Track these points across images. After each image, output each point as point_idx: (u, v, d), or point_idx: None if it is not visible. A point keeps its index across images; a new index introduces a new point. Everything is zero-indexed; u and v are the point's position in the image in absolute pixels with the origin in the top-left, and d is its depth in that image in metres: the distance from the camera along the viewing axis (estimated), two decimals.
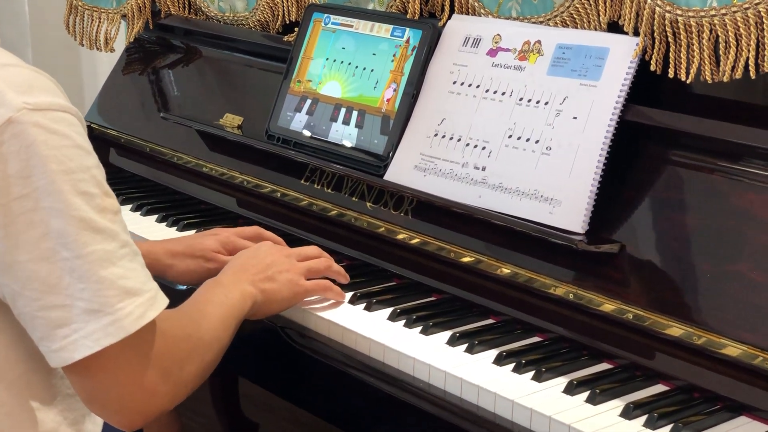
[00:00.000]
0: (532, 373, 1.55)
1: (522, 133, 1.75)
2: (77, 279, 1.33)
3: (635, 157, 1.68)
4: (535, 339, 1.69)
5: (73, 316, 1.34)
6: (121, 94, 2.68)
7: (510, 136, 1.77)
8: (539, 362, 1.58)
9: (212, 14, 2.52)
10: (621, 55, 1.67)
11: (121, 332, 1.35)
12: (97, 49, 2.70)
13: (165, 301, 1.42)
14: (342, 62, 2.07)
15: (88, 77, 4.08)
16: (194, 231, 2.14)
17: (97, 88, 2.81)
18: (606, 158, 1.65)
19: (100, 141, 2.65)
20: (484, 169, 1.78)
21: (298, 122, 2.11)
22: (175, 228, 2.17)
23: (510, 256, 1.75)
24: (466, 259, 1.80)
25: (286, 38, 2.27)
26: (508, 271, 1.74)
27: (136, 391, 1.40)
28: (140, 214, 2.27)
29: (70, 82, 4.10)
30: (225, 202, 2.29)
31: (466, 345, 1.64)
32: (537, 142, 1.73)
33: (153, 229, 2.18)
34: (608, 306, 1.62)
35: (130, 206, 2.32)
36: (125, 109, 2.64)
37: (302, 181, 2.11)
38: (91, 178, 1.35)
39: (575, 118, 1.70)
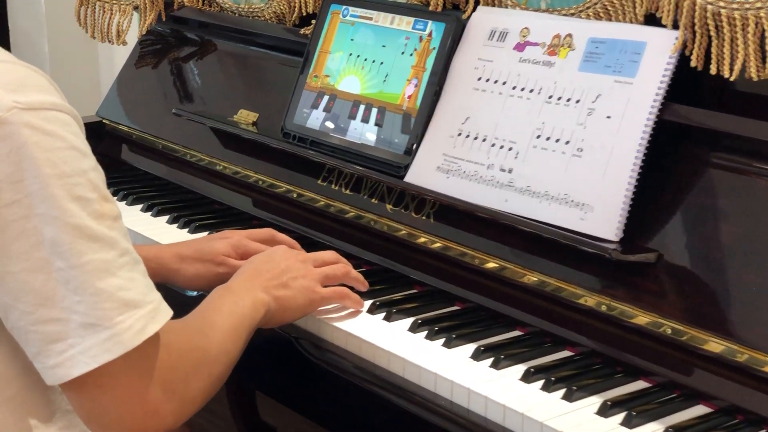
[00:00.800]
0: (562, 391, 1.45)
1: (551, 133, 1.65)
2: (73, 291, 1.24)
3: (673, 159, 1.57)
4: (566, 353, 1.59)
5: (69, 331, 1.25)
6: (133, 89, 2.58)
7: (538, 137, 1.66)
8: (570, 379, 1.48)
9: (227, 5, 2.42)
10: (659, 49, 1.56)
11: (120, 348, 1.26)
12: (109, 41, 2.61)
13: (168, 312, 1.33)
14: (361, 56, 1.97)
15: (105, 70, 3.98)
16: (207, 233, 2.05)
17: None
18: (642, 161, 1.55)
19: (112, 137, 2.56)
20: (510, 171, 1.68)
21: (315, 119, 2.01)
22: (187, 230, 2.08)
23: (537, 263, 1.65)
24: (490, 266, 1.70)
25: (302, 31, 2.16)
26: (535, 279, 1.64)
27: (137, 409, 1.31)
28: (151, 215, 2.18)
29: (87, 75, 4.02)
30: (239, 202, 2.19)
31: (492, 359, 1.54)
32: (567, 143, 1.62)
33: (164, 230, 2.09)
34: (643, 318, 1.52)
35: (140, 206, 2.22)
36: (137, 104, 2.55)
37: (319, 182, 2.01)
38: (88, 182, 1.26)
39: (609, 117, 1.59)
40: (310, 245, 1.97)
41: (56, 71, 4.01)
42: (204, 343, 1.42)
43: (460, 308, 1.74)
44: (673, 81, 1.56)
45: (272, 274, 1.62)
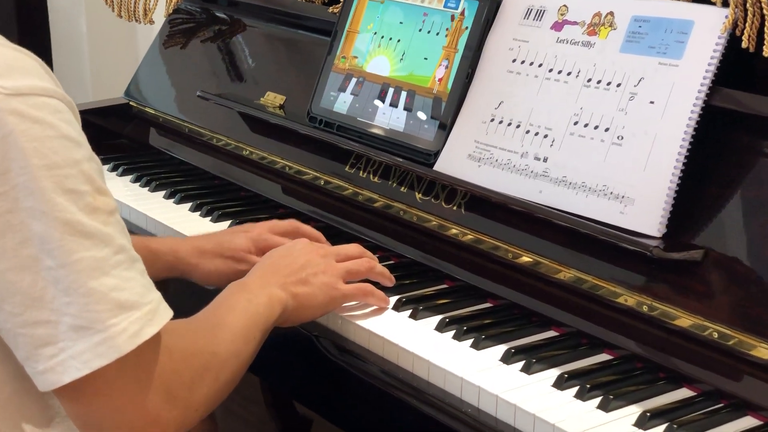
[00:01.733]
0: (598, 400, 1.34)
1: (590, 119, 1.53)
2: (63, 291, 1.15)
3: (722, 148, 1.45)
4: (604, 356, 1.47)
5: (60, 334, 1.16)
6: (159, 70, 2.49)
7: (576, 123, 1.54)
8: (607, 386, 1.37)
9: None
10: (707, 29, 1.44)
11: (113, 352, 1.16)
12: (136, 20, 2.51)
13: (168, 313, 1.24)
14: (390, 37, 1.86)
15: (144, 50, 3.89)
16: (229, 221, 1.95)
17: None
18: (688, 150, 1.42)
19: (139, 120, 2.48)
20: (545, 160, 1.56)
21: (342, 103, 1.90)
22: (210, 218, 1.98)
23: (573, 258, 1.53)
24: (524, 260, 1.59)
25: (331, 9, 2.06)
26: (572, 275, 1.53)
27: (136, 418, 1.22)
28: (173, 202, 2.09)
29: (125, 54, 3.93)
30: (265, 189, 2.09)
31: (523, 363, 1.43)
32: (607, 130, 1.50)
33: (185, 219, 2.00)
34: (687, 321, 1.40)
35: (163, 193, 2.13)
36: (164, 85, 2.45)
37: (347, 168, 1.91)
38: (80, 173, 1.17)
39: (652, 102, 1.47)
40: (336, 235, 1.87)
41: (95, 51, 3.93)
42: (211, 345, 1.32)
43: (491, 305, 1.63)
44: (722, 63, 1.43)
45: (291, 270, 1.52)
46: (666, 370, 1.42)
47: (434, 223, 1.73)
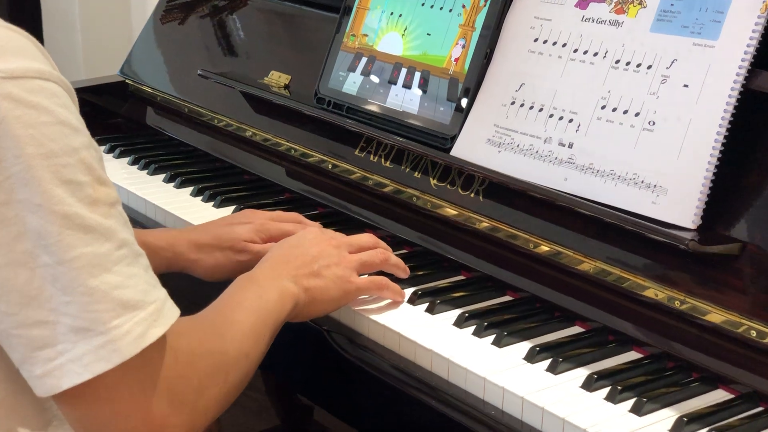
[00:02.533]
0: (631, 403, 1.26)
1: (618, 103, 1.44)
2: (61, 290, 1.07)
3: (761, 135, 1.36)
4: (633, 355, 1.40)
5: (58, 335, 1.08)
6: (157, 47, 2.40)
7: (603, 107, 1.46)
8: (640, 388, 1.29)
9: None
10: (745, 8, 1.35)
11: (116, 356, 1.08)
12: None
13: (174, 313, 1.15)
14: (402, 14, 1.77)
15: (138, 26, 3.78)
16: (233, 207, 1.86)
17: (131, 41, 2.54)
18: (725, 137, 1.34)
19: (135, 99, 2.39)
20: (571, 146, 1.48)
21: (352, 84, 1.81)
22: (212, 203, 1.90)
23: (599, 249, 1.45)
24: (545, 250, 1.50)
25: None
26: (596, 267, 1.44)
27: (140, 425, 1.14)
28: (173, 186, 2.00)
29: (118, 31, 3.82)
30: (269, 172, 2.01)
31: (549, 362, 1.35)
32: (637, 114, 1.42)
33: (188, 204, 1.91)
34: (720, 317, 1.32)
35: (163, 176, 2.05)
36: (162, 63, 2.36)
37: (356, 152, 1.82)
38: (79, 162, 1.08)
39: (686, 86, 1.38)
40: (345, 222, 1.79)
41: (87, 26, 3.83)
42: (220, 345, 1.24)
43: (511, 299, 1.55)
44: (761, 44, 1.35)
45: (302, 261, 1.44)
46: (699, 369, 1.34)
47: (450, 210, 1.65)
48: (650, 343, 1.39)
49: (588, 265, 1.46)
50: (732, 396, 1.29)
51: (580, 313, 1.47)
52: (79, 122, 1.11)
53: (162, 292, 1.15)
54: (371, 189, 1.79)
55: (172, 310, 1.15)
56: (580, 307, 1.48)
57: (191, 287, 1.61)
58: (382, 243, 1.56)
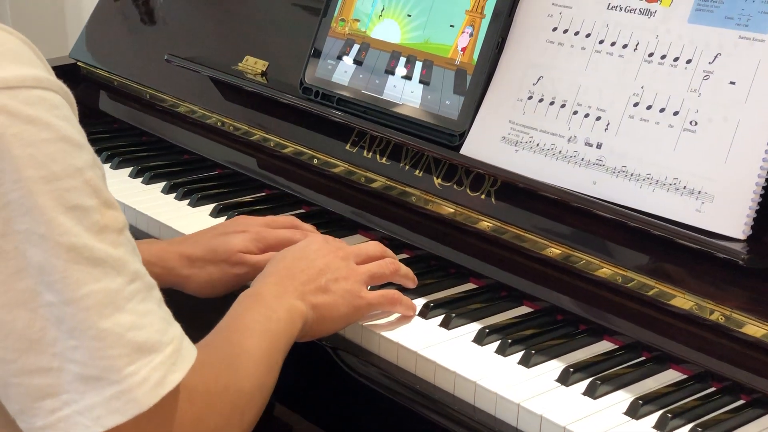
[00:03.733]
0: (686, 429, 1.15)
1: (653, 100, 1.32)
2: (68, 333, 0.93)
3: None
4: (673, 374, 1.29)
5: (64, 384, 0.94)
6: (114, 26, 2.22)
7: (636, 105, 1.34)
8: (689, 414, 1.18)
9: None
10: None
11: (132, 407, 0.95)
12: None
13: (192, 353, 1.02)
14: None
15: (71, 6, 3.56)
16: (211, 205, 1.72)
17: (81, 23, 2.35)
18: None
19: (88, 82, 2.22)
20: (599, 146, 1.36)
21: (343, 73, 1.67)
22: (187, 202, 1.75)
23: (629, 258, 1.34)
24: (568, 258, 1.39)
25: None
26: (628, 278, 1.33)
27: None
28: (142, 182, 1.85)
29: (49, 9, 3.59)
30: (247, 166, 1.86)
31: (587, 385, 1.24)
32: (676, 113, 1.30)
33: (159, 203, 1.76)
34: (765, 332, 1.22)
35: (128, 170, 1.89)
36: (119, 44, 2.19)
37: (347, 147, 1.68)
38: (84, 184, 0.94)
39: (733, 83, 1.26)
40: (335, 222, 1.66)
41: (14, 4, 3.60)
42: (235, 380, 1.11)
43: (531, 310, 1.43)
44: None
45: (308, 276, 1.31)
46: (747, 389, 1.24)
47: (457, 212, 1.52)
48: (688, 360, 1.29)
49: (618, 276, 1.34)
50: None
51: (608, 326, 1.36)
52: (81, 137, 0.97)
53: (178, 329, 1.01)
54: (363, 186, 1.65)
55: (190, 350, 1.01)
56: (607, 319, 1.36)
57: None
58: (389, 252, 1.43)
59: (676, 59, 1.32)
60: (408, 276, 1.42)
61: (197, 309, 1.43)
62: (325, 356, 1.37)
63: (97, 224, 0.94)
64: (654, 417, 1.19)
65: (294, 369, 1.34)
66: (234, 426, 1.09)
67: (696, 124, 1.28)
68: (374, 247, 1.41)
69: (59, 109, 0.95)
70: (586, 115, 1.38)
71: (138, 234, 1.65)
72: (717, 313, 1.25)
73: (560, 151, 1.39)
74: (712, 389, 1.26)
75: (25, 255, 0.91)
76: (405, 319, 1.39)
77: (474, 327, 1.37)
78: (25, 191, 0.90)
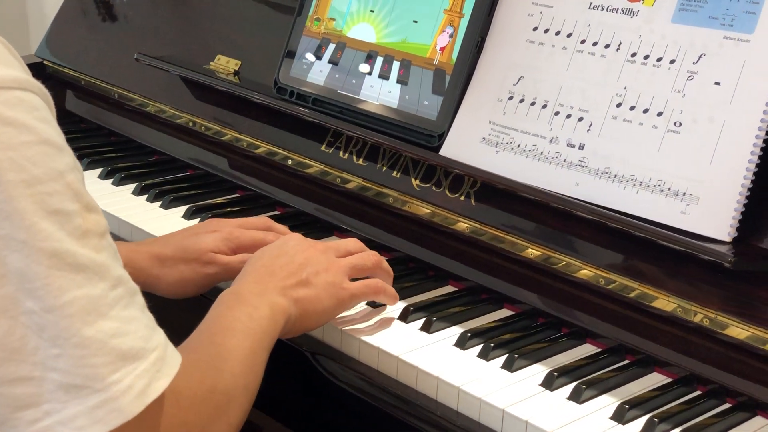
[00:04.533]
0: None
1: (637, 101, 1.31)
2: (50, 341, 0.90)
3: None
4: (657, 378, 1.28)
5: (45, 394, 0.91)
6: (82, 23, 2.18)
7: (619, 105, 1.33)
8: (676, 418, 1.18)
9: None
10: None
11: (116, 417, 0.92)
12: None
13: (176, 358, 1.00)
14: None
15: (33, 5, 3.50)
16: (185, 207, 1.69)
17: (44, 20, 2.31)
18: (765, 140, 1.22)
19: (54, 81, 2.18)
20: (582, 147, 1.34)
21: (318, 73, 1.65)
22: (159, 203, 1.72)
23: (612, 261, 1.32)
24: (536, 256, 1.37)
25: None
26: (611, 280, 1.32)
27: None
28: (112, 183, 1.82)
29: (10, 11, 3.54)
30: (221, 168, 1.83)
31: (572, 390, 1.22)
32: (660, 114, 1.29)
33: (131, 205, 1.73)
34: (749, 335, 1.21)
35: (98, 172, 1.86)
36: (87, 42, 2.15)
37: (323, 147, 1.66)
38: (66, 187, 0.91)
39: (718, 83, 1.25)
40: (310, 224, 1.64)
41: None
42: (219, 382, 1.08)
43: (512, 313, 1.41)
44: None
45: (288, 271, 1.28)
46: (733, 393, 1.23)
47: (435, 213, 1.50)
48: (673, 362, 1.28)
49: (601, 279, 1.33)
50: None
51: (590, 329, 1.35)
52: (61, 139, 0.94)
53: (161, 335, 0.98)
54: (339, 188, 1.63)
55: (174, 356, 0.99)
56: (590, 323, 1.35)
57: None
58: (368, 249, 1.41)
59: (659, 59, 1.31)
60: (389, 272, 1.39)
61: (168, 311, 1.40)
62: (304, 362, 1.35)
63: (79, 229, 0.92)
64: (640, 422, 1.17)
65: (273, 374, 1.31)
66: (221, 427, 1.06)
67: (680, 125, 1.27)
68: (353, 242, 1.39)
69: (39, 110, 0.92)
70: (568, 116, 1.36)
71: None
72: (701, 315, 1.24)
73: (542, 153, 1.37)
74: (698, 393, 1.25)
75: (5, 261, 0.88)
76: (385, 323, 1.37)
77: (455, 331, 1.35)
78: (5, 195, 0.88)
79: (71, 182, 0.92)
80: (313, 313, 1.29)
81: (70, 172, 0.93)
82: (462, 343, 1.32)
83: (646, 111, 1.30)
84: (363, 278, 1.36)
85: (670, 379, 1.27)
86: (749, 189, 1.22)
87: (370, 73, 1.58)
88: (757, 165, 1.22)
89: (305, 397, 1.40)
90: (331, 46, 1.64)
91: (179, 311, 1.41)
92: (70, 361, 0.90)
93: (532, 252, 1.40)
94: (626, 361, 1.31)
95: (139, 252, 1.42)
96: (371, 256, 1.38)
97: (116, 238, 1.62)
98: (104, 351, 0.91)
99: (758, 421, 1.20)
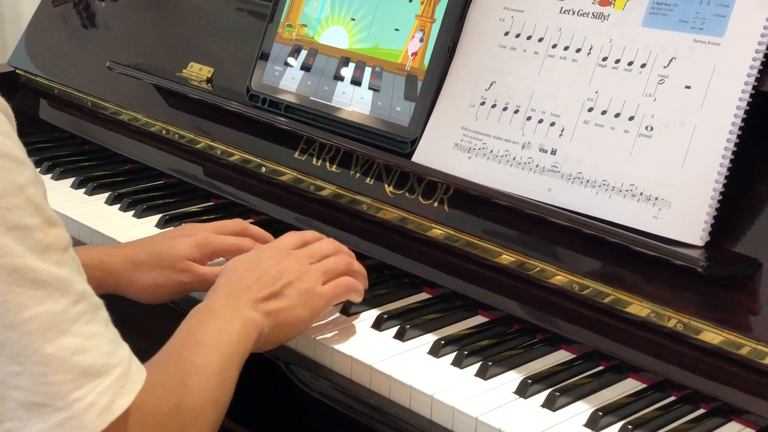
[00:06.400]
0: None
1: (608, 105, 1.30)
2: (10, 359, 0.89)
3: None
4: (632, 384, 1.27)
5: (7, 412, 0.91)
6: (53, 33, 2.17)
7: (590, 110, 1.32)
8: (650, 425, 1.17)
9: None
10: (755, 1, 1.22)
11: None
12: None
13: (141, 374, 0.98)
14: (347, 3, 1.59)
15: (9, 11, 3.48)
16: (158, 216, 1.67)
17: (21, 29, 2.29)
18: (735, 144, 1.21)
19: (27, 90, 2.17)
20: (554, 152, 1.34)
21: (290, 80, 1.63)
22: (132, 212, 1.71)
23: (586, 266, 1.32)
24: (510, 262, 1.36)
25: None
26: (584, 285, 1.31)
27: None
28: (85, 193, 1.80)
29: None
30: (195, 176, 1.81)
31: (546, 397, 1.21)
32: (631, 119, 1.28)
33: (103, 214, 1.72)
34: (722, 339, 1.20)
35: (71, 181, 1.84)
36: (61, 51, 2.14)
37: (296, 154, 1.65)
38: (27, 202, 0.90)
39: (689, 87, 1.25)
40: (286, 230, 1.62)
41: None
42: (186, 398, 1.07)
43: (487, 320, 1.40)
44: None
45: (262, 283, 1.27)
46: (709, 398, 1.23)
47: (409, 220, 1.49)
48: (648, 368, 1.27)
49: (575, 284, 1.32)
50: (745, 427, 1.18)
51: (565, 335, 1.34)
52: (21, 151, 0.93)
53: (125, 350, 0.97)
54: (314, 195, 1.62)
55: (139, 371, 0.98)
56: (565, 328, 1.34)
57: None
58: (344, 247, 1.39)
59: (630, 63, 1.30)
60: (361, 273, 1.38)
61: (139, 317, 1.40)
62: (277, 371, 1.34)
63: (40, 244, 0.91)
64: (615, 428, 1.17)
65: (245, 385, 1.30)
66: None
67: (652, 129, 1.26)
68: (327, 244, 1.37)
69: None
70: (540, 121, 1.35)
71: None
72: (675, 320, 1.24)
73: (514, 158, 1.37)
74: (672, 398, 1.24)
75: None
76: (359, 331, 1.36)
77: (429, 338, 1.34)
78: None
79: (32, 196, 0.91)
80: (288, 324, 1.28)
81: (31, 185, 0.92)
82: (436, 350, 1.31)
83: (617, 115, 1.29)
84: None
85: (644, 385, 1.26)
86: (721, 193, 1.21)
87: (342, 80, 1.56)
88: (729, 169, 1.21)
89: (278, 407, 1.38)
90: (303, 53, 1.62)
91: (158, 319, 1.40)
92: (32, 379, 0.89)
93: (507, 258, 1.39)
94: (601, 367, 1.30)
95: (112, 255, 1.41)
96: (342, 260, 1.37)
97: None
98: (66, 368, 0.90)
99: (733, 426, 1.19)
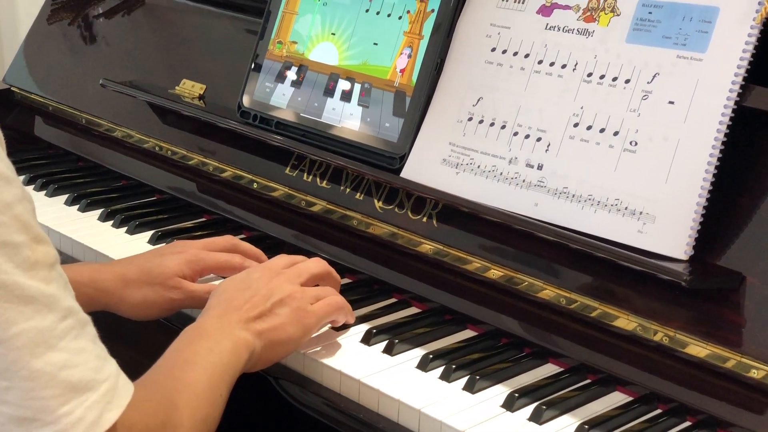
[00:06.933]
0: None
1: (593, 121, 1.32)
2: None
3: (757, 155, 1.25)
4: (619, 397, 1.28)
5: None
6: (48, 50, 2.19)
7: (576, 125, 1.33)
8: None
9: None
10: (737, 17, 1.24)
11: None
12: None
13: (128, 389, 0.99)
14: (337, 20, 1.61)
15: (6, 25, 3.50)
16: (151, 232, 1.69)
17: (16, 46, 2.31)
18: (718, 158, 1.22)
19: (22, 107, 2.18)
20: (540, 167, 1.35)
21: (281, 96, 1.65)
22: (125, 229, 1.72)
23: (574, 281, 1.33)
24: (498, 277, 1.38)
25: None
26: (572, 300, 1.32)
27: None
28: (78, 209, 1.81)
29: None
30: (187, 192, 1.83)
31: (532, 410, 1.22)
32: (616, 134, 1.29)
33: (96, 231, 1.73)
34: (708, 353, 1.21)
35: (64, 198, 1.85)
36: (54, 69, 2.15)
37: (287, 171, 1.66)
38: (14, 219, 0.91)
39: (672, 102, 1.26)
40: (276, 246, 1.64)
41: None
42: (174, 415, 1.08)
43: (475, 334, 1.41)
44: (756, 57, 1.23)
45: (252, 304, 1.28)
46: (694, 411, 1.23)
47: (398, 235, 1.51)
48: (635, 381, 1.28)
49: (562, 298, 1.33)
50: None
51: (552, 349, 1.35)
52: (9, 169, 0.94)
53: (113, 366, 0.98)
54: (304, 210, 1.63)
55: (126, 387, 0.99)
56: (553, 342, 1.35)
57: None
58: (332, 269, 1.41)
59: (614, 79, 1.31)
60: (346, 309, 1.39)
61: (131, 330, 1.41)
62: (266, 386, 1.35)
63: (27, 260, 0.92)
64: None
65: (235, 399, 1.31)
66: None
67: (636, 144, 1.27)
68: (315, 264, 1.39)
69: None
70: (527, 136, 1.37)
71: None
72: (661, 334, 1.25)
73: (501, 173, 1.38)
74: (659, 411, 1.25)
75: None
76: (348, 346, 1.37)
77: (418, 353, 1.35)
78: None
79: (19, 214, 0.92)
80: (279, 343, 1.29)
81: (18, 203, 0.93)
82: (424, 365, 1.32)
83: (602, 130, 1.30)
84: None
85: (631, 398, 1.27)
86: (705, 207, 1.22)
87: (332, 96, 1.58)
88: (712, 183, 1.22)
89: (267, 421, 1.39)
90: (294, 69, 1.64)
91: (151, 332, 1.41)
92: (20, 394, 0.90)
93: (495, 272, 1.40)
94: (588, 381, 1.31)
95: (102, 272, 1.42)
96: (333, 277, 1.39)
97: None
98: (54, 383, 0.91)
99: None
